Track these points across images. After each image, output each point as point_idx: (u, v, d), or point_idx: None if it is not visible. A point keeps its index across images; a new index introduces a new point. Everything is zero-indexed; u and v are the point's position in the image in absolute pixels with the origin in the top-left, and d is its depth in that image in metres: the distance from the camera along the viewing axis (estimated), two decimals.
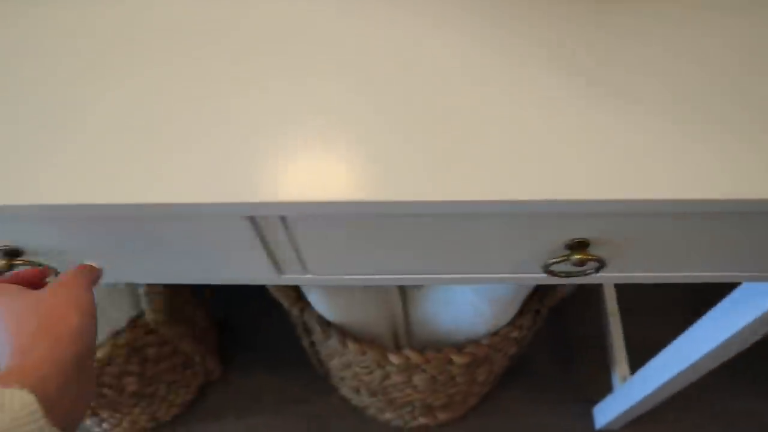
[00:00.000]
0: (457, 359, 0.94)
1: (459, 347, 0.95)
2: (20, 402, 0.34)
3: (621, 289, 1.29)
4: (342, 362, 1.02)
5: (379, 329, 0.99)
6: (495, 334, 0.96)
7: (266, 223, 0.51)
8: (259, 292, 1.42)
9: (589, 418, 1.26)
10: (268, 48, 0.54)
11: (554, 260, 0.54)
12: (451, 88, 0.50)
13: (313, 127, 0.48)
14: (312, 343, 1.10)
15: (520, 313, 0.96)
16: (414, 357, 0.94)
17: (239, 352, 1.35)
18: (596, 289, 1.34)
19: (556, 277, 0.58)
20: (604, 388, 1.23)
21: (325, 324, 0.95)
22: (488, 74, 0.51)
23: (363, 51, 0.53)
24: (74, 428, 0.38)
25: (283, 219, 0.50)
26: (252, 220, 0.50)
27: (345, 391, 1.22)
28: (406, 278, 0.60)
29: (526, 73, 0.51)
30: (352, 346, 0.94)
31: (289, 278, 0.59)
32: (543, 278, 0.59)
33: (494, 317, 0.94)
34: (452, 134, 0.48)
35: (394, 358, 0.94)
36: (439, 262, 0.57)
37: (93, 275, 0.48)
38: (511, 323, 0.96)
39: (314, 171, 0.46)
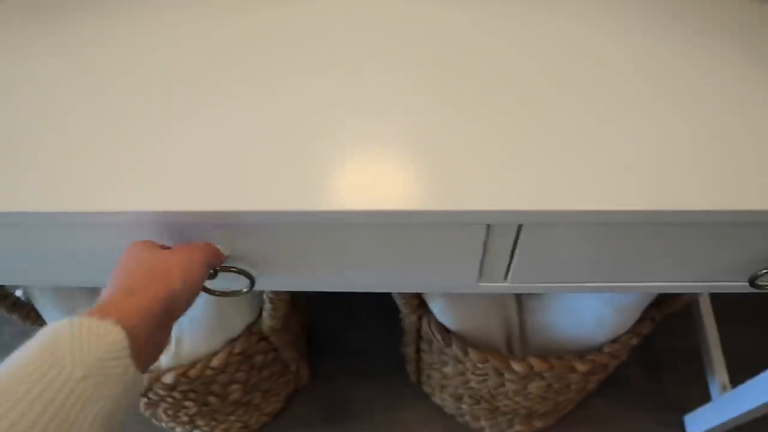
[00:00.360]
0: (579, 367, 0.94)
1: (580, 354, 0.95)
2: (113, 337, 0.36)
3: (713, 296, 1.29)
4: (456, 369, 1.02)
5: (495, 336, 0.99)
6: (614, 341, 0.96)
7: (499, 231, 0.51)
8: (343, 298, 1.42)
9: (680, 428, 1.26)
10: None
11: (764, 271, 0.54)
12: None
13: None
14: (418, 350, 1.09)
15: (639, 320, 0.96)
16: (537, 364, 0.93)
17: (324, 360, 1.35)
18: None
19: (754, 288, 0.58)
20: (694, 397, 1.23)
21: (445, 331, 0.95)
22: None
23: None
24: (144, 373, 0.41)
25: (519, 227, 0.50)
26: (488, 227, 0.50)
27: (440, 398, 1.22)
28: (607, 286, 0.60)
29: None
30: (473, 353, 0.94)
31: (485, 286, 0.59)
32: (741, 287, 0.59)
33: (616, 325, 0.94)
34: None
35: (516, 366, 0.93)
36: (637, 269, 0.57)
37: (214, 258, 0.51)
38: (630, 330, 0.96)
39: (566, 180, 0.46)
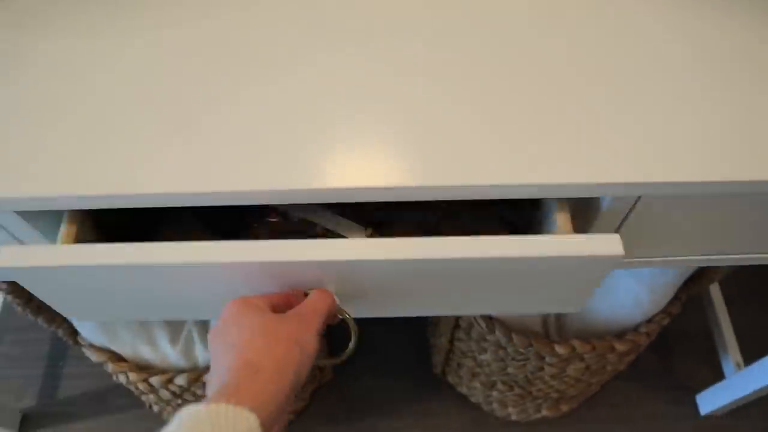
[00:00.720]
0: (619, 347, 0.97)
1: (618, 335, 0.98)
2: (247, 425, 0.37)
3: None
4: (495, 356, 1.04)
5: (533, 321, 1.01)
6: (649, 321, 0.99)
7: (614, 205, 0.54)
8: None
9: (692, 407, 1.31)
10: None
11: None
12: None
13: None
14: (452, 340, 1.11)
15: (670, 300, 1.00)
16: (579, 346, 0.96)
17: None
18: None
19: None
20: (704, 377, 1.29)
21: (489, 318, 0.97)
22: None
23: None
24: None
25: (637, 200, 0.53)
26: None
27: (467, 387, 1.23)
28: (699, 260, 0.63)
29: None
30: (517, 339, 0.96)
31: None
32: None
33: (652, 305, 0.97)
34: None
35: (559, 349, 0.96)
36: (728, 241, 0.61)
37: (330, 310, 0.51)
38: (664, 310, 1.00)
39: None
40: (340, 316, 0.53)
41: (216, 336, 0.47)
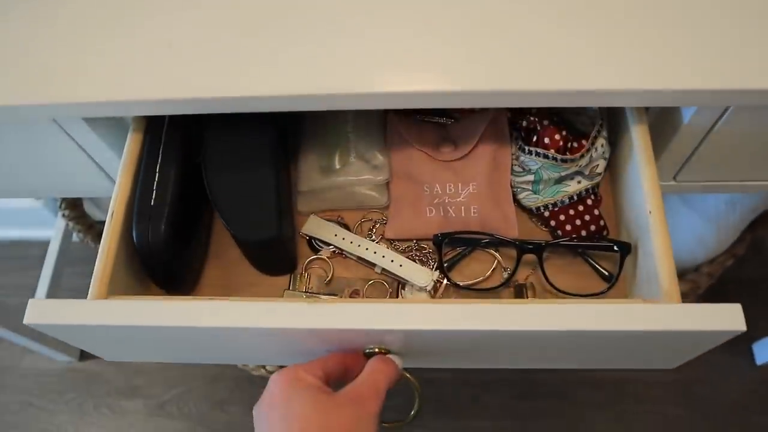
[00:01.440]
0: (680, 287, 0.94)
1: (678, 274, 0.95)
2: None
3: None
4: None
5: None
6: (711, 262, 0.96)
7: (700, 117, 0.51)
8: None
9: (749, 356, 1.27)
10: None
11: None
12: None
13: None
14: None
15: (736, 241, 0.96)
16: None
17: None
18: None
19: None
20: (762, 327, 1.25)
21: None
22: None
23: None
24: None
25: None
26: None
27: None
28: None
29: None
30: None
31: None
32: None
33: (716, 245, 0.94)
34: None
35: None
36: None
37: (392, 383, 0.45)
38: (728, 251, 0.96)
39: None
40: (406, 376, 0.48)
41: (261, 419, 0.42)
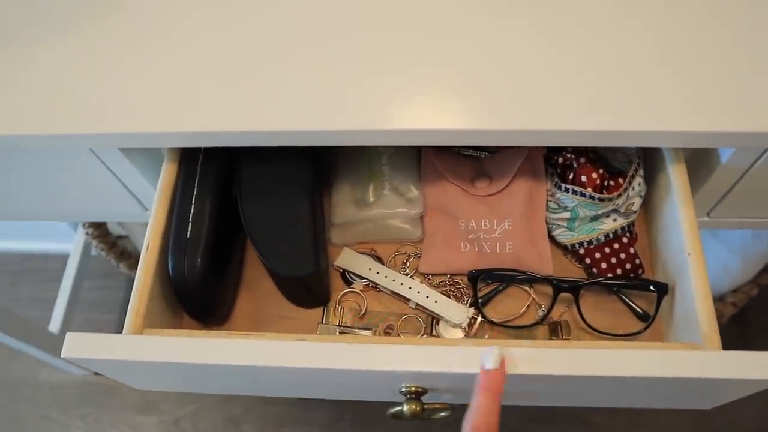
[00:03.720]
0: None
1: None
2: None
3: None
4: None
5: None
6: (735, 291, 0.96)
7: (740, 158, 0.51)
8: None
9: None
10: None
11: None
12: None
13: None
14: None
15: (761, 270, 0.96)
16: None
17: None
18: None
19: None
20: None
21: None
22: None
23: None
24: None
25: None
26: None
27: None
28: None
29: None
30: None
31: None
32: None
33: (741, 274, 0.94)
34: None
35: None
36: None
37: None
38: (752, 281, 0.96)
39: None
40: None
41: None
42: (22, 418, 1.28)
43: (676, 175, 0.54)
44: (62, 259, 1.29)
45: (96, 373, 1.31)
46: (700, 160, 0.57)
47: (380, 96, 0.50)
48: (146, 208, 0.67)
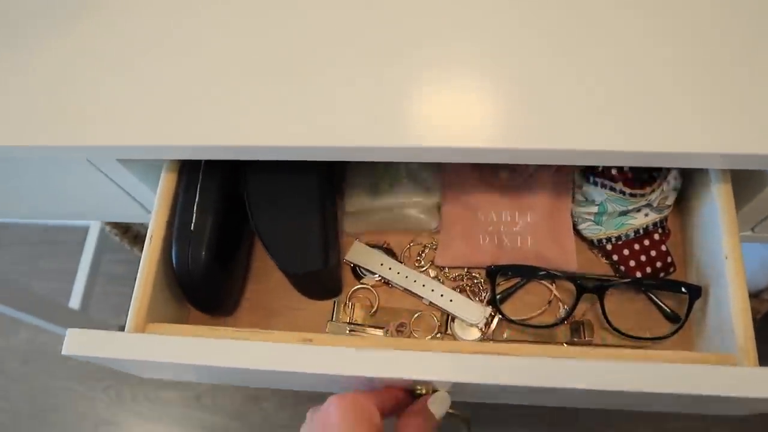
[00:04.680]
0: None
1: None
2: None
3: None
4: None
5: None
6: None
7: None
8: None
9: None
10: None
11: None
12: None
13: None
14: None
15: None
16: None
17: None
18: None
19: None
20: None
21: None
22: None
23: None
24: None
25: None
26: None
27: None
28: None
29: None
30: None
31: None
32: None
33: None
34: None
35: None
36: None
37: (433, 429, 0.43)
38: None
39: None
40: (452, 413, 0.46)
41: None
42: (47, 390, 1.30)
43: (720, 195, 0.50)
44: (82, 231, 1.29)
45: None
46: (748, 177, 0.52)
47: (396, 110, 0.47)
48: (149, 211, 0.65)
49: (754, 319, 0.93)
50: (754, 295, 0.90)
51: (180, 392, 1.27)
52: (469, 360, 0.42)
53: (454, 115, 0.46)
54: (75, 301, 1.22)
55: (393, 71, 0.48)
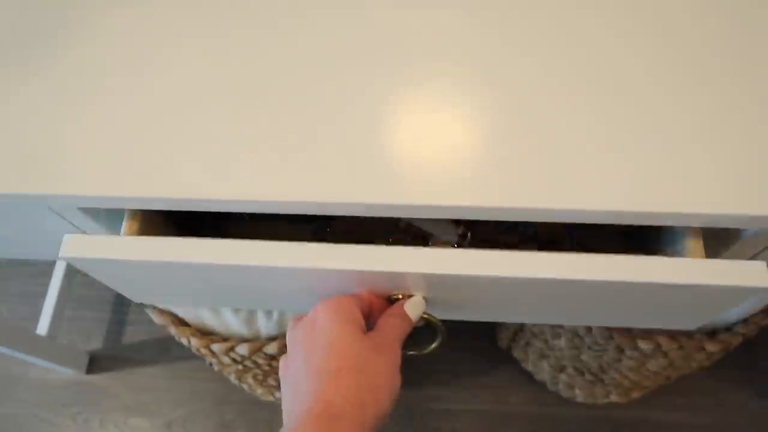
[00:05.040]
0: (710, 347, 0.89)
1: (710, 333, 0.90)
2: None
3: None
4: (571, 344, 0.98)
5: None
6: (745, 321, 0.91)
7: None
8: None
9: None
10: None
11: None
12: None
13: None
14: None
15: None
16: (665, 343, 0.89)
17: None
18: None
19: None
20: None
21: None
22: None
23: None
24: None
25: None
26: None
27: (533, 365, 1.18)
28: None
29: None
30: (597, 330, 0.90)
31: None
32: None
33: (750, 304, 0.89)
34: None
35: (642, 344, 0.89)
36: None
37: (404, 337, 0.46)
38: (764, 310, 0.91)
39: None
40: (427, 318, 0.49)
41: (297, 341, 0.42)
42: (12, 417, 1.27)
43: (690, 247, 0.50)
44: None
45: (87, 373, 1.29)
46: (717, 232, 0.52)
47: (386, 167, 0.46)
48: None
49: (728, 352, 0.94)
50: (726, 329, 0.90)
51: (150, 419, 1.25)
52: (444, 254, 0.44)
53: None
54: (43, 325, 1.19)
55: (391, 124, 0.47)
